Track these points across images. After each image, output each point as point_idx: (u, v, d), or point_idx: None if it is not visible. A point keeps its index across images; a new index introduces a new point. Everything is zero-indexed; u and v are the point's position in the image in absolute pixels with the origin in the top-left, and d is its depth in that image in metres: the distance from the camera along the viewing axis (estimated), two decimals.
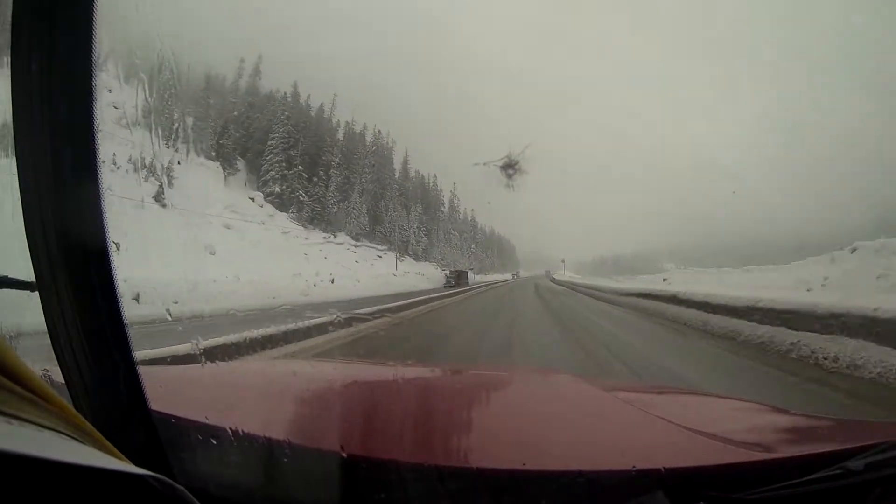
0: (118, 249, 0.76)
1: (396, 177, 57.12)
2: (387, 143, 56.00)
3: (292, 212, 41.87)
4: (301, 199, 42.55)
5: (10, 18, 0.61)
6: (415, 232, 54.95)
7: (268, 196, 40.77)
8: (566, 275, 60.55)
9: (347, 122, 51.76)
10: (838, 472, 0.63)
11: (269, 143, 42.55)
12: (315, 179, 44.85)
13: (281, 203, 41.56)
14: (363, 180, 50.34)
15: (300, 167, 43.30)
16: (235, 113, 42.50)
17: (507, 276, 68.41)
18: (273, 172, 42.24)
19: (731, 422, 1.12)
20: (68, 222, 0.64)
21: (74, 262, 0.64)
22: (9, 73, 0.61)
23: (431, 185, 63.64)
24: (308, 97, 47.98)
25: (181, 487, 0.45)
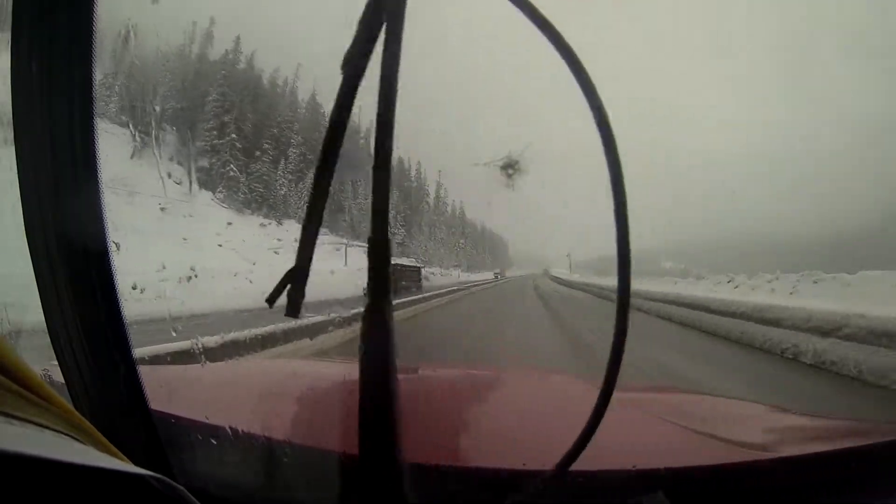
0: (118, 249, 0.75)
1: (372, 159, 53.13)
2: (357, 119, 49.72)
3: (220, 191, 33.25)
4: (232, 174, 33.81)
5: (10, 18, 0.61)
6: (389, 223, 50.18)
7: (195, 171, 32.74)
8: (573, 276, 46.59)
9: (312, 96, 42.18)
10: (839, 467, 0.63)
11: (205, 108, 35.00)
12: (258, 154, 35.79)
13: (209, 180, 33.34)
14: None
15: (234, 136, 34.60)
16: (183, 83, 35.26)
17: (489, 275, 57.23)
18: (202, 143, 33.97)
19: (731, 422, 1.12)
20: (68, 222, 0.64)
21: (74, 262, 0.64)
22: (9, 72, 0.61)
23: (416, 174, 55.90)
24: (252, 53, 38.84)
25: (181, 487, 0.45)
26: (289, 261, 0.56)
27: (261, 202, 35.15)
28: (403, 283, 21.78)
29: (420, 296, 15.92)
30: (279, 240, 28.25)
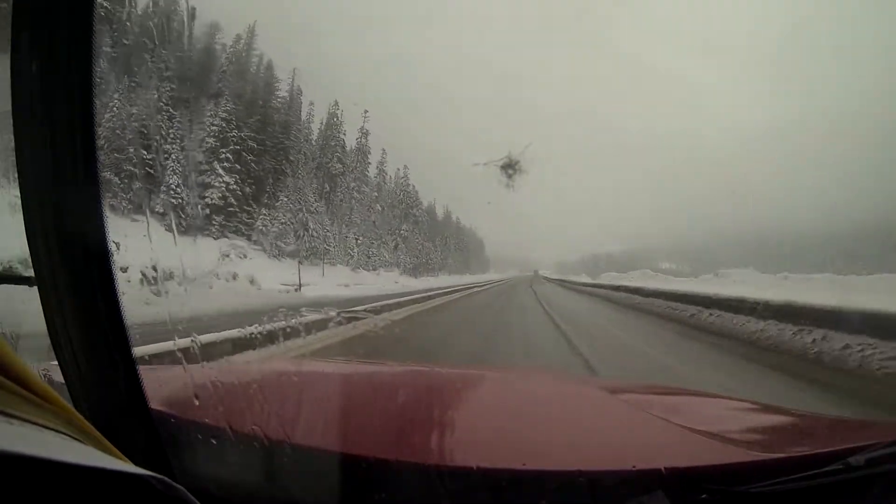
0: (118, 249, 0.76)
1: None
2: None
3: None
4: None
5: (10, 18, 0.61)
6: (194, 166, 24.48)
7: None
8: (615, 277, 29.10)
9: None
10: (840, 467, 0.63)
11: None
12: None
13: None
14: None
15: None
16: None
17: (452, 280, 36.02)
18: None
19: (731, 422, 1.12)
20: (68, 222, 0.64)
21: (74, 262, 0.64)
22: (9, 72, 0.61)
23: (331, 115, 34.32)
24: None
25: (181, 487, 0.45)
26: None
27: None
28: None
29: None
30: None
